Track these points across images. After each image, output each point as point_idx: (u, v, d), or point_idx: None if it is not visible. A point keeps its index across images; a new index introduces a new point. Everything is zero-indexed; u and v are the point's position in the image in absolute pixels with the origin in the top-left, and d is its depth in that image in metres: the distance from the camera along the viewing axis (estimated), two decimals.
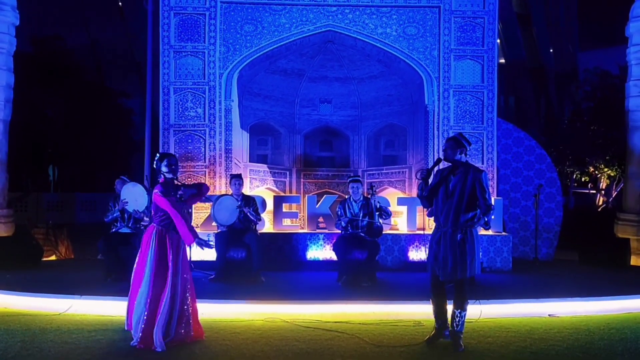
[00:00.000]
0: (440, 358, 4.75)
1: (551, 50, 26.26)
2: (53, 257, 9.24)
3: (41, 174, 19.99)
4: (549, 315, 6.12)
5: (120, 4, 23.19)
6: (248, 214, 7.41)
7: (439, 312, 5.06)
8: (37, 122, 16.81)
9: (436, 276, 4.98)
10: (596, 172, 16.14)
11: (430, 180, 4.99)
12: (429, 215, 5.18)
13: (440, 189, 4.93)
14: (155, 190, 4.96)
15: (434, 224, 5.14)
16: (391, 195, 9.59)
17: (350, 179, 7.63)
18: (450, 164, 4.98)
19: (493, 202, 4.98)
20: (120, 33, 22.87)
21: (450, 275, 4.86)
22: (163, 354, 4.69)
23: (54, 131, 17.35)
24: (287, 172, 10.39)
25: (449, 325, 5.00)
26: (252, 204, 7.58)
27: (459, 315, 4.94)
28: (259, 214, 7.70)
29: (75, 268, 8.23)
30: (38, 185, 18.65)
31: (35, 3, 17.88)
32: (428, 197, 4.98)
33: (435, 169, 5.08)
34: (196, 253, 8.09)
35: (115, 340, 5.01)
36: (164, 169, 5.05)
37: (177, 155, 8.87)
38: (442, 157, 5.07)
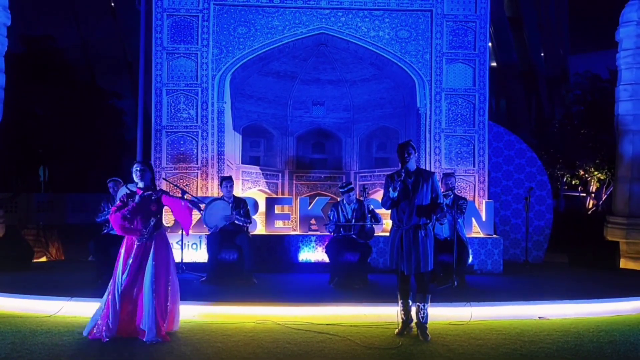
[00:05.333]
0: (432, 359, 4.78)
1: (542, 54, 26.38)
2: (44, 259, 9.20)
3: (31, 174, 19.85)
4: (539, 317, 6.16)
5: (112, 4, 23.08)
6: (236, 220, 7.40)
7: (406, 305, 5.43)
8: (27, 122, 16.69)
9: (402, 272, 5.31)
10: (586, 175, 16.24)
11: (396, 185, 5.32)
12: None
13: (403, 192, 5.29)
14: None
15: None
16: None
17: (345, 189, 7.46)
18: (405, 167, 5.32)
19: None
20: (112, 33, 22.75)
21: (415, 269, 5.25)
22: (153, 354, 4.69)
23: (45, 131, 17.22)
24: (280, 174, 10.40)
25: (414, 318, 5.39)
26: (243, 206, 7.58)
27: (423, 308, 5.32)
28: (249, 216, 7.70)
29: (66, 269, 8.19)
30: (28, 186, 18.52)
31: (26, 2, 17.78)
32: (397, 200, 5.31)
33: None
34: (188, 254, 8.10)
35: (107, 342, 5.00)
36: (133, 175, 5.23)
37: (169, 157, 8.93)
38: (406, 160, 5.31)
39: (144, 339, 4.99)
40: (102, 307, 5.11)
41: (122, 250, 5.17)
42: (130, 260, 5.10)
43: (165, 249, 5.30)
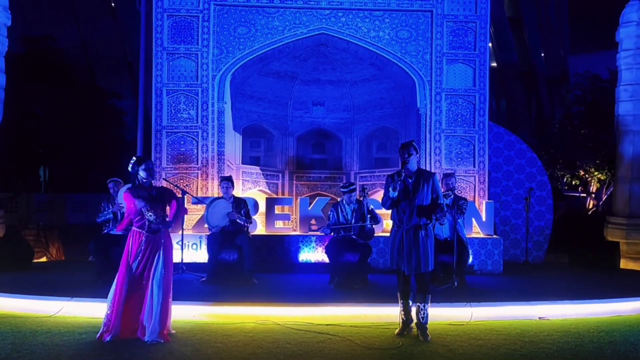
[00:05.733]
0: (432, 359, 4.79)
1: (542, 54, 26.37)
2: (44, 259, 9.20)
3: (31, 174, 19.85)
4: (539, 318, 6.16)
5: (112, 4, 23.09)
6: (237, 220, 7.42)
7: (406, 306, 5.43)
8: (28, 122, 16.69)
9: (402, 272, 5.32)
10: (586, 175, 16.24)
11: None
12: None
13: (403, 192, 5.29)
14: (126, 192, 5.19)
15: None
16: None
17: (347, 189, 7.46)
18: (406, 168, 5.30)
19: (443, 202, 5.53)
20: (113, 34, 22.76)
21: (416, 270, 5.24)
22: (153, 354, 4.69)
23: (45, 131, 17.24)
24: (280, 174, 10.40)
25: (414, 319, 5.38)
26: (243, 207, 7.59)
27: (423, 308, 5.32)
28: (250, 217, 7.71)
29: (66, 270, 8.19)
30: (28, 186, 18.52)
31: (26, 3, 17.78)
32: (397, 200, 5.29)
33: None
34: (188, 255, 8.10)
35: (107, 342, 5.00)
36: (141, 173, 5.21)
37: (169, 157, 8.94)
38: (407, 160, 5.29)
39: (145, 339, 4.99)
40: (108, 307, 5.12)
41: (131, 242, 5.15)
42: (140, 253, 5.10)
43: (171, 248, 5.34)
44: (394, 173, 5.28)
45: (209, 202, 7.58)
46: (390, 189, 5.24)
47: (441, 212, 5.39)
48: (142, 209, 5.11)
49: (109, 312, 5.09)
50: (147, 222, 5.14)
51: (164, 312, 5.13)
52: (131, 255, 5.13)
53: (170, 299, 5.26)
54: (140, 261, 5.11)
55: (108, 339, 4.99)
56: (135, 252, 5.12)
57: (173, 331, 5.32)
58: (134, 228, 5.19)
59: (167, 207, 5.46)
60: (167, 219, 5.37)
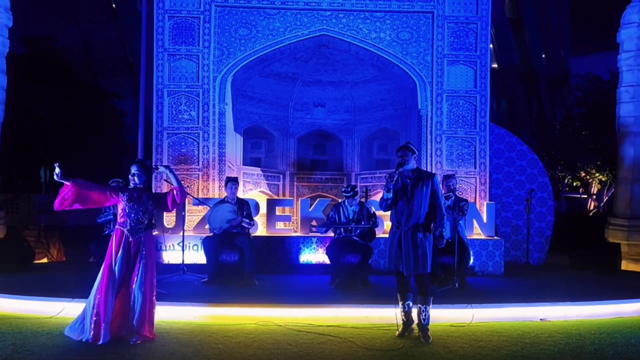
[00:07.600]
0: None
1: (543, 55, 26.37)
2: (45, 260, 9.20)
3: (32, 175, 19.85)
4: (541, 319, 6.16)
5: (113, 5, 23.12)
6: (243, 223, 7.43)
7: (406, 307, 5.42)
8: (28, 123, 16.69)
9: (401, 273, 5.31)
10: (587, 177, 16.24)
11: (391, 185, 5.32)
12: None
13: (401, 193, 5.28)
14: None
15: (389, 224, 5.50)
16: None
17: (350, 194, 7.43)
18: (404, 168, 5.29)
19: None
20: (114, 34, 22.79)
21: (414, 270, 5.22)
22: (153, 355, 4.69)
23: (46, 132, 17.23)
24: (281, 176, 10.40)
25: (416, 320, 5.38)
26: (246, 208, 7.60)
27: (424, 310, 5.31)
28: (252, 218, 7.71)
29: (67, 271, 8.21)
30: (29, 187, 18.52)
31: (27, 4, 17.79)
32: (394, 201, 5.29)
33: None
34: (189, 256, 8.10)
35: (107, 343, 4.99)
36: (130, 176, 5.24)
37: (170, 158, 8.94)
38: (402, 162, 5.29)
39: (131, 341, 4.97)
40: (92, 308, 5.04)
41: (113, 240, 5.14)
42: (121, 251, 5.09)
43: (153, 250, 5.31)
44: (390, 173, 5.28)
45: (214, 204, 7.57)
46: (385, 190, 5.25)
47: (442, 219, 5.30)
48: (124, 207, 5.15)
49: (93, 312, 5.01)
50: (128, 220, 5.14)
51: (143, 314, 5.07)
52: (114, 254, 5.11)
53: (151, 301, 5.17)
54: (120, 260, 5.08)
55: (104, 341, 4.95)
56: (116, 251, 5.11)
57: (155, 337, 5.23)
58: (117, 226, 5.21)
59: (153, 212, 5.42)
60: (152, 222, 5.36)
